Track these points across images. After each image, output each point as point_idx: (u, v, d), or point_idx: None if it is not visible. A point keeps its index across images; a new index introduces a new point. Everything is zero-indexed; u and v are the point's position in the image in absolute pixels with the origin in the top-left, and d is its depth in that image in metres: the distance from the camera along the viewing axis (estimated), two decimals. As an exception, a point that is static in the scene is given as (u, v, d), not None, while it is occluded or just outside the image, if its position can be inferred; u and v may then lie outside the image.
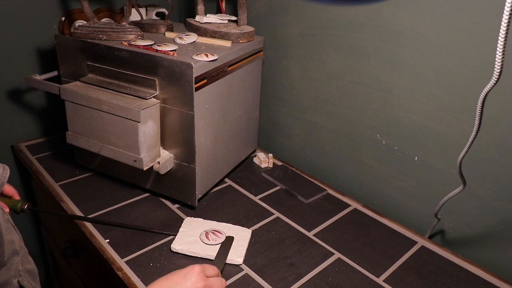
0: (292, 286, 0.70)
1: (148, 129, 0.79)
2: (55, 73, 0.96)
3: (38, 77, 0.92)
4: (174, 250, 0.75)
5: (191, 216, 0.85)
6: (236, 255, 0.75)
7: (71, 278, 1.07)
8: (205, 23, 0.95)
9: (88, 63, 0.85)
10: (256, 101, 1.02)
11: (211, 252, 0.74)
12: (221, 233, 0.78)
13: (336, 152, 1.02)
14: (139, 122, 0.76)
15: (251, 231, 0.81)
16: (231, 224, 0.82)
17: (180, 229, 0.79)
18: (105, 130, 0.82)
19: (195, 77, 0.75)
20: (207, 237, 0.77)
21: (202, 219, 0.83)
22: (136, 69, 0.80)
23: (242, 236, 0.79)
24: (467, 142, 0.68)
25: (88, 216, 0.84)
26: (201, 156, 0.84)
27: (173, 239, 0.78)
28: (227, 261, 0.74)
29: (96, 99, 0.79)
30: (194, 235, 0.78)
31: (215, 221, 0.82)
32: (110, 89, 0.82)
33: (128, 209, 0.87)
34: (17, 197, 0.81)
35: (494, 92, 0.69)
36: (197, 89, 0.77)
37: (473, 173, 0.78)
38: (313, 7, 0.95)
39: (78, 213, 0.85)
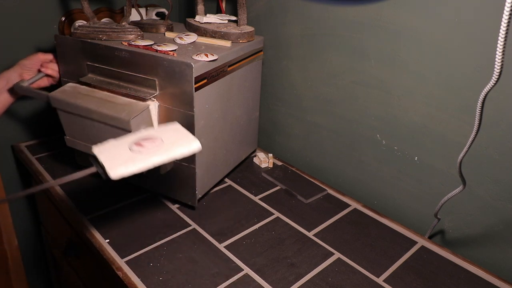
0: (292, 286, 0.70)
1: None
2: (42, 75, 0.91)
3: (26, 83, 0.88)
4: (118, 176, 0.58)
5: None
6: (190, 139, 0.65)
7: (71, 278, 1.07)
8: (205, 23, 0.95)
9: (88, 63, 0.85)
10: (256, 101, 1.02)
11: (162, 156, 0.61)
12: (153, 137, 0.64)
13: (336, 152, 1.02)
14: (130, 131, 0.73)
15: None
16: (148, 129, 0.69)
17: (101, 157, 0.60)
18: (99, 137, 0.79)
19: (195, 77, 0.75)
20: (142, 146, 0.62)
21: (113, 139, 0.65)
22: (136, 69, 0.80)
23: (175, 128, 0.67)
24: (467, 142, 0.68)
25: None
26: (201, 156, 0.84)
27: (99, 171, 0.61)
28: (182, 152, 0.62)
29: (85, 109, 0.77)
30: (123, 153, 0.61)
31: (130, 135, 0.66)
32: (110, 89, 0.82)
33: (128, 209, 0.87)
34: None
35: (494, 92, 0.69)
36: (197, 89, 0.77)
37: (473, 173, 0.78)
38: (313, 7, 0.95)
39: (78, 214, 0.85)
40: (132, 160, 0.60)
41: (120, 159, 0.60)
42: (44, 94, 0.83)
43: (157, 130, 0.68)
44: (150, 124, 0.79)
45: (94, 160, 0.62)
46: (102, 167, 0.60)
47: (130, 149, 0.62)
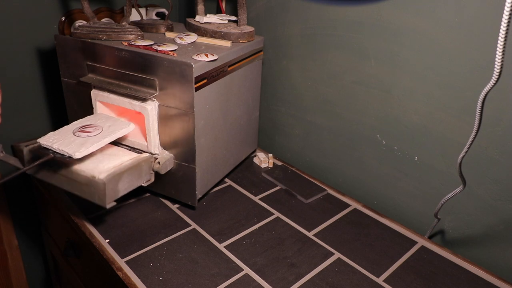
0: (292, 286, 0.70)
1: (122, 186, 0.76)
2: None
3: (1, 154, 0.82)
4: (82, 155, 0.70)
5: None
6: (124, 122, 0.80)
7: (71, 278, 1.07)
8: (205, 23, 0.95)
9: (88, 63, 0.85)
10: (256, 101, 1.02)
11: (111, 136, 0.76)
12: (93, 124, 0.78)
13: (336, 152, 1.02)
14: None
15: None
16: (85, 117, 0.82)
17: (55, 146, 0.72)
18: None
19: (195, 77, 0.75)
20: (85, 131, 0.76)
21: (52, 132, 0.77)
22: (136, 69, 0.80)
23: (104, 116, 0.82)
24: (467, 142, 0.68)
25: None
26: (201, 156, 0.84)
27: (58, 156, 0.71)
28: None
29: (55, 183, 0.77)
30: (74, 139, 0.74)
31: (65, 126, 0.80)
32: (110, 89, 0.82)
33: (128, 209, 0.87)
34: None
35: (494, 92, 0.69)
36: (197, 89, 0.77)
37: (473, 173, 0.78)
38: (313, 7, 0.95)
39: (78, 214, 0.85)
40: (89, 142, 0.73)
41: (76, 143, 0.73)
42: (17, 160, 0.81)
43: (89, 119, 0.82)
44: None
45: (45, 150, 0.74)
46: (60, 152, 0.72)
47: (77, 136, 0.75)
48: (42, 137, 0.75)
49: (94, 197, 0.71)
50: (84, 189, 0.72)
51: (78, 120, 0.82)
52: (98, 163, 0.75)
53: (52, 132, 0.77)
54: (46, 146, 0.73)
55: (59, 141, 0.73)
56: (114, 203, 0.73)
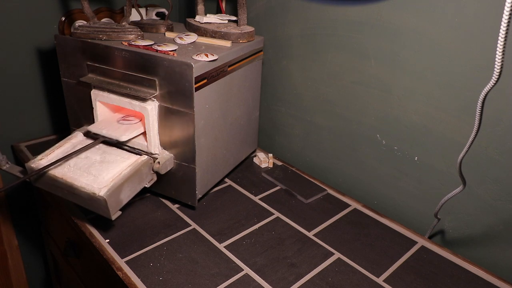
0: (292, 286, 0.70)
1: (124, 195, 0.77)
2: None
3: (7, 165, 0.84)
4: (126, 139, 0.82)
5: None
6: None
7: (71, 278, 1.07)
8: (205, 23, 0.95)
9: (88, 63, 0.85)
10: (256, 101, 1.02)
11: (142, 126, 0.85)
12: (132, 114, 0.88)
13: (336, 152, 1.02)
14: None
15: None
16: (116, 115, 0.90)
17: (104, 132, 0.83)
18: None
19: (195, 77, 0.75)
20: (126, 120, 0.87)
21: (98, 121, 0.88)
22: (136, 69, 0.80)
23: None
24: (467, 142, 0.68)
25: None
26: (201, 156, 0.84)
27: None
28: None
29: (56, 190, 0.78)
30: (118, 126, 0.85)
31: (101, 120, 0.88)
32: (110, 89, 0.83)
33: (128, 209, 0.87)
34: None
35: (494, 92, 0.69)
36: (197, 89, 0.77)
37: (473, 173, 0.78)
38: (313, 7, 0.95)
39: (79, 214, 0.85)
40: (131, 129, 0.84)
41: (121, 129, 0.84)
42: (17, 168, 0.84)
43: (127, 111, 0.90)
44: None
45: (95, 135, 0.85)
46: (108, 137, 0.83)
47: (121, 124, 0.86)
48: (91, 125, 0.86)
49: (99, 210, 0.74)
50: (88, 203, 0.74)
51: (113, 115, 0.91)
52: (97, 174, 0.76)
53: (99, 121, 0.88)
54: (96, 132, 0.84)
55: (106, 128, 0.84)
56: (119, 213, 0.76)
